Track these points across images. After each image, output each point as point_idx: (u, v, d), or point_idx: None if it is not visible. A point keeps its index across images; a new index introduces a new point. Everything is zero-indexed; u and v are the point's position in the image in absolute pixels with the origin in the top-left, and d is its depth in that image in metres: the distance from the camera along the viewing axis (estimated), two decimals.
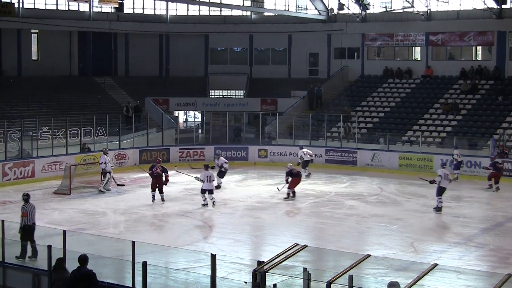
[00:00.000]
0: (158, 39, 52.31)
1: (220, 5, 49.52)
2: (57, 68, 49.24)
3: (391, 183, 32.42)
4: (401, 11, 47.50)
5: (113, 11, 50.04)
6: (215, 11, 51.78)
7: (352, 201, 27.87)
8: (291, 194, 28.48)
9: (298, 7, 50.71)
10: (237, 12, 51.45)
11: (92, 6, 48.63)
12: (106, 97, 47.18)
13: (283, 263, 12.00)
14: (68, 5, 48.26)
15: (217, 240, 21.35)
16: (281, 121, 41.28)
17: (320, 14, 49.45)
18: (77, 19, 48.71)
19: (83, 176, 31.97)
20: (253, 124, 45.13)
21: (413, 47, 48.37)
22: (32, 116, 36.90)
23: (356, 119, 40.55)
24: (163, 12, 51.14)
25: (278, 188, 29.15)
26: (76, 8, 49.21)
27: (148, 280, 12.67)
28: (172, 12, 51.24)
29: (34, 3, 48.08)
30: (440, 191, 25.95)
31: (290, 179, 28.45)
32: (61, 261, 13.43)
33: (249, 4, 50.82)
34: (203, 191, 26.18)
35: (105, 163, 29.56)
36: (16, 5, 45.12)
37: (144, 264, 12.51)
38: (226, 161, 31.23)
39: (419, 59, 48.00)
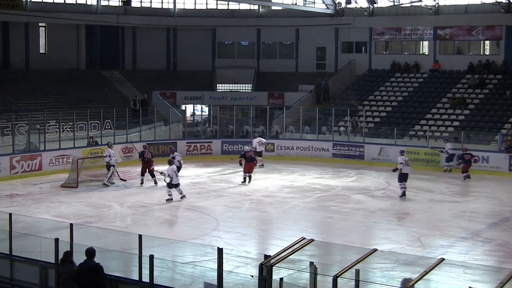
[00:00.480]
0: (165, 33, 52.30)
1: None
2: (64, 62, 49.30)
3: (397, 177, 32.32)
4: (409, 5, 47.37)
5: (120, 5, 50.08)
6: (222, 5, 51.75)
7: (359, 196, 27.86)
8: (247, 179, 30.25)
9: (305, 1, 50.64)
10: (244, 6, 51.42)
11: None
12: (114, 90, 47.21)
13: (289, 257, 12.00)
14: None
15: (224, 234, 21.36)
16: (288, 115, 41.23)
17: (327, 8, 49.36)
18: (84, 13, 48.74)
19: (90, 169, 32.02)
20: (260, 118, 45.11)
21: (421, 41, 48.26)
22: (39, 110, 36.95)
23: (363, 113, 40.48)
24: (171, 6, 51.13)
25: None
26: (84, 2, 49.28)
27: (155, 273, 12.69)
28: (179, 6, 51.25)
29: None
30: (401, 177, 27.33)
31: (244, 162, 30.45)
32: (68, 254, 13.46)
33: None
34: (170, 186, 25.98)
35: (109, 156, 29.61)
36: None
37: (151, 257, 12.53)
38: (180, 156, 30.83)
39: (426, 53, 47.89)
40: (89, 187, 29.00)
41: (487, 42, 46.46)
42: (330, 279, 11.05)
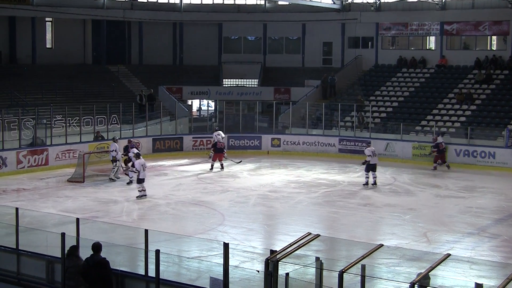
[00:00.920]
0: (172, 28, 52.31)
1: None
2: (71, 56, 49.35)
3: (404, 173, 32.36)
4: (415, 0, 47.27)
5: (127, 0, 50.06)
6: (229, 0, 51.69)
7: (365, 191, 27.85)
8: (214, 166, 32.36)
9: None
10: (251, 1, 51.40)
11: None
12: (120, 85, 47.24)
13: (295, 252, 11.99)
14: None
15: (230, 229, 21.38)
16: (295, 110, 41.22)
17: (334, 3, 49.25)
18: (91, 8, 48.75)
19: (97, 164, 32.09)
20: (267, 113, 45.12)
21: (428, 37, 48.15)
22: (46, 104, 37.01)
23: (369, 109, 40.44)
24: (177, 1, 51.09)
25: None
26: None
27: (161, 268, 12.70)
28: (186, 1, 51.20)
29: None
30: (368, 167, 28.74)
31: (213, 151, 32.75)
32: (74, 248, 13.49)
33: None
34: (140, 181, 25.65)
35: (115, 151, 29.67)
36: None
37: (157, 252, 12.55)
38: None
39: (433, 48, 47.79)
40: (95, 182, 29.05)
41: (494, 38, 46.32)
42: (336, 274, 11.06)
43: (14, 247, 14.84)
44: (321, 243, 15.70)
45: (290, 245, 12.18)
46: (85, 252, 13.24)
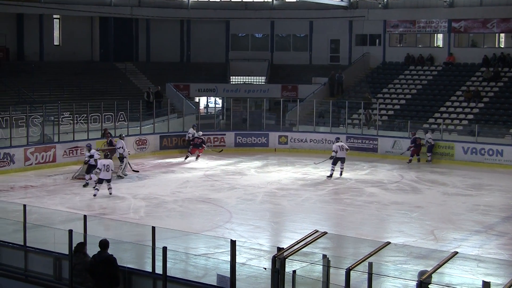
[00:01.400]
0: (179, 25, 52.34)
1: None
2: (78, 54, 49.43)
3: (411, 170, 32.33)
4: None
5: None
6: None
7: (372, 188, 27.82)
8: (190, 157, 34.33)
9: None
10: None
11: None
12: (127, 82, 47.29)
13: (302, 249, 11.98)
14: None
15: (237, 226, 21.39)
16: (302, 107, 41.20)
17: (341, 0, 49.18)
18: (98, 5, 48.77)
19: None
20: (274, 111, 45.10)
21: (435, 34, 48.05)
22: (53, 101, 37.06)
23: (377, 106, 40.41)
24: None
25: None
26: None
27: (168, 265, 12.71)
28: None
29: None
30: (335, 161, 29.95)
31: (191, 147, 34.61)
32: (81, 245, 13.52)
33: None
34: (100, 181, 25.31)
35: (122, 147, 29.70)
36: None
37: (164, 249, 12.55)
38: (98, 155, 27.80)
39: (441, 46, 47.69)
40: None
41: (502, 35, 46.20)
42: (343, 272, 11.05)
43: (22, 243, 14.87)
44: (328, 240, 15.71)
45: (297, 242, 12.17)
46: (92, 249, 13.28)
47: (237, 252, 12.08)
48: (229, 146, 38.27)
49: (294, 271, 11.61)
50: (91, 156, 27.23)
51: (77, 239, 13.58)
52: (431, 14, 46.99)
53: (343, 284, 11.05)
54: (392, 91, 44.52)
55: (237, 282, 12.17)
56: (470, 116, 39.24)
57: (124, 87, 45.72)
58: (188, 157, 34.37)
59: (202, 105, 52.25)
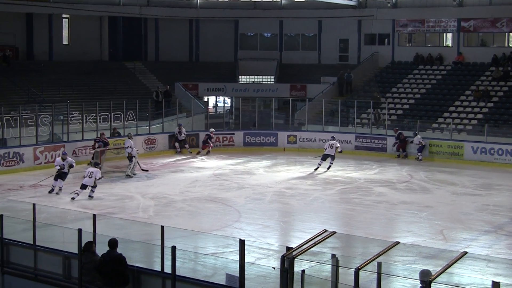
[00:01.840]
0: (188, 24, 52.39)
1: None
2: (87, 53, 49.54)
3: (420, 170, 32.26)
4: None
5: None
6: None
7: (381, 188, 27.78)
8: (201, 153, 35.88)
9: None
10: None
11: None
12: (136, 82, 47.35)
13: (311, 249, 11.98)
14: None
15: (246, 226, 21.39)
16: (311, 107, 41.16)
17: None
18: (107, 4, 48.83)
19: (113, 160, 32.19)
20: (283, 110, 45.07)
21: (445, 33, 47.95)
22: (63, 101, 37.14)
23: (386, 106, 40.33)
24: None
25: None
26: None
27: (177, 264, 12.72)
28: None
29: None
30: (324, 156, 31.95)
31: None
32: (90, 244, 13.55)
33: None
34: (83, 186, 24.84)
35: (130, 147, 29.76)
36: None
37: (173, 248, 12.56)
38: (73, 162, 26.95)
39: (450, 45, 47.58)
40: (111, 178, 29.13)
41: (511, 34, 46.04)
42: (352, 271, 11.04)
43: (31, 242, 14.91)
44: (337, 240, 15.71)
45: (306, 242, 12.17)
46: (101, 248, 13.30)
47: (246, 252, 12.09)
48: (238, 145, 38.28)
49: (303, 271, 11.61)
50: (71, 166, 26.19)
51: (86, 238, 13.61)
52: (440, 13, 46.88)
53: (352, 284, 11.04)
54: (401, 91, 44.44)
55: (245, 281, 12.18)
56: (480, 116, 39.14)
57: (133, 87, 45.78)
58: (200, 152, 35.63)
59: (211, 105, 52.27)
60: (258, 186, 27.95)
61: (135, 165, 29.86)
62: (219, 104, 53.96)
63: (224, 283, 12.45)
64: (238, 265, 12.11)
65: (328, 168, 31.71)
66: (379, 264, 11.26)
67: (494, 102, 40.31)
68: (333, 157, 32.05)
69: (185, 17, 51.58)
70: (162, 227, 13.29)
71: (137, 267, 13.40)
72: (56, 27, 48.70)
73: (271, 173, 31.43)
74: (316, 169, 31.62)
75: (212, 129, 36.99)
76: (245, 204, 24.51)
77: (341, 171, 31.87)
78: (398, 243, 12.49)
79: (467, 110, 40.17)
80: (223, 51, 52.05)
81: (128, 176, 29.19)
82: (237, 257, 12.12)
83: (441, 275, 10.66)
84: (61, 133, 33.50)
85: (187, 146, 36.04)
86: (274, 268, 12.57)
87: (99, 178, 25.01)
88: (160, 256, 13.26)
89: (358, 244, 19.18)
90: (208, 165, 33.04)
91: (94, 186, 24.94)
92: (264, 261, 16.54)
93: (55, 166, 26.20)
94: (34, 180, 28.01)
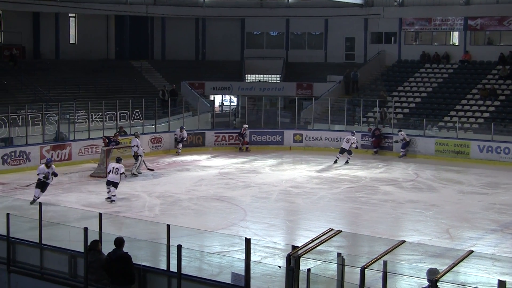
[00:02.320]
0: (194, 23, 52.41)
1: None
2: (94, 52, 49.58)
3: (427, 169, 32.22)
4: None
5: None
6: None
7: (387, 187, 27.76)
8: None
9: None
10: None
11: None
12: (143, 80, 47.40)
13: (317, 248, 11.98)
14: None
15: (252, 225, 21.40)
16: (317, 105, 41.13)
17: None
18: (114, 3, 48.89)
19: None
20: (289, 109, 45.06)
21: (451, 32, 47.85)
22: (69, 100, 37.20)
23: (392, 104, 40.29)
24: None
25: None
26: None
27: (183, 263, 12.73)
28: None
29: None
30: (341, 150, 33.61)
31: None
32: (96, 243, 13.57)
33: None
34: (108, 183, 24.51)
35: (137, 146, 29.79)
36: None
37: (179, 247, 12.57)
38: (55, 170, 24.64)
39: (457, 44, 47.48)
40: None
41: None
42: (358, 270, 11.03)
43: (38, 241, 14.94)
44: (343, 239, 15.71)
45: (312, 240, 12.16)
46: (107, 247, 13.32)
47: (251, 250, 12.09)
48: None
49: (308, 270, 11.61)
50: (55, 175, 24.13)
51: (92, 237, 13.64)
52: (447, 11, 46.78)
53: (358, 282, 11.03)
54: (408, 89, 44.38)
55: (251, 280, 12.18)
56: (486, 114, 39.05)
57: (139, 85, 45.83)
58: (241, 148, 37.03)
59: (217, 103, 52.30)
60: (264, 184, 27.95)
61: (141, 164, 29.89)
62: (225, 103, 53.99)
63: (230, 282, 12.46)
64: (244, 264, 12.12)
65: (346, 162, 33.11)
66: (385, 263, 11.25)
67: (500, 100, 40.22)
68: (349, 152, 33.44)
69: (192, 16, 51.62)
70: (168, 226, 13.30)
71: (143, 265, 13.42)
72: (63, 26, 48.77)
73: (277, 171, 31.44)
74: (335, 162, 33.33)
75: (245, 125, 37.48)
76: (251, 203, 24.53)
77: (347, 169, 31.88)
78: (404, 242, 12.48)
79: (473, 109, 40.08)
80: (230, 50, 52.05)
81: (134, 175, 29.22)
82: (243, 256, 12.12)
83: (447, 274, 10.65)
84: (67, 132, 33.56)
85: (180, 146, 35.84)
86: (280, 266, 12.57)
87: (122, 173, 24.56)
88: (166, 254, 13.27)
89: (364, 243, 19.17)
90: (214, 164, 33.06)
91: (116, 188, 24.35)
92: (270, 260, 16.55)
93: (38, 174, 23.83)
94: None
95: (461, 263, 11.20)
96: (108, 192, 24.34)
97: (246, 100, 42.02)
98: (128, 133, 34.38)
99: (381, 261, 11.26)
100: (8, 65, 43.48)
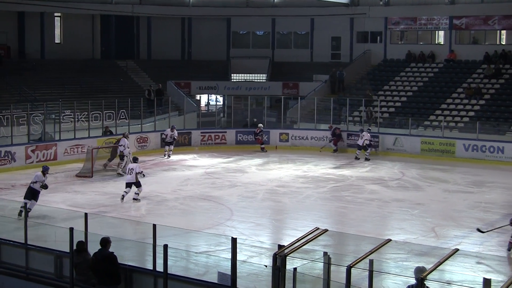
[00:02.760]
0: (180, 23, 52.35)
1: None
2: (79, 51, 49.41)
3: (412, 167, 32.31)
4: None
5: None
6: None
7: (373, 186, 27.82)
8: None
9: None
10: None
11: None
12: (129, 80, 47.31)
13: (303, 247, 12.00)
14: None
15: (238, 224, 21.40)
16: (303, 105, 41.18)
17: None
18: (99, 3, 48.77)
19: (105, 159, 32.09)
20: (275, 108, 45.09)
21: (437, 31, 48.02)
22: (55, 99, 37.06)
23: (378, 104, 40.40)
24: None
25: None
26: None
27: (169, 263, 12.73)
28: None
29: None
30: (359, 147, 34.64)
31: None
32: (81, 244, 13.55)
33: None
34: (128, 185, 24.40)
35: (124, 146, 29.71)
36: None
37: (165, 247, 12.57)
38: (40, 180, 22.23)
39: (442, 43, 47.66)
40: (103, 177, 29.11)
41: (503, 32, 46.15)
42: (344, 269, 11.06)
43: (23, 241, 14.89)
44: (329, 238, 15.71)
45: (298, 240, 12.19)
46: (93, 247, 13.29)
47: (238, 250, 12.11)
48: (230, 143, 38.28)
49: (295, 269, 11.62)
50: (46, 187, 22.12)
51: (78, 237, 13.60)
52: (432, 11, 46.96)
53: (344, 281, 11.07)
54: (393, 88, 44.50)
55: (238, 279, 12.19)
56: (472, 113, 39.23)
57: (125, 85, 45.74)
58: (263, 149, 36.90)
59: (203, 103, 52.29)
60: (250, 184, 27.96)
61: (127, 164, 29.80)
62: (211, 103, 54.00)
63: (216, 281, 12.47)
64: (230, 263, 12.13)
65: (365, 160, 34.04)
66: (371, 262, 11.28)
67: (485, 99, 40.40)
68: (364, 148, 34.35)
69: (178, 15, 51.56)
70: (154, 226, 13.29)
71: (129, 265, 13.41)
72: (48, 25, 48.61)
73: (263, 171, 31.44)
74: (356, 159, 34.33)
75: (260, 125, 37.68)
76: (237, 202, 24.52)
77: (333, 169, 31.93)
78: (390, 240, 12.53)
79: (459, 108, 40.25)
80: (216, 49, 52.00)
81: (120, 175, 29.15)
82: (229, 255, 12.13)
83: (433, 272, 10.70)
84: (53, 132, 33.44)
85: (167, 148, 35.30)
86: (266, 266, 12.59)
87: (140, 172, 24.52)
88: (152, 254, 13.26)
89: (350, 242, 19.20)
90: (200, 164, 33.03)
91: (138, 186, 24.41)
92: (256, 259, 16.56)
93: (35, 182, 21.80)
94: (26, 179, 27.92)
95: (447, 262, 11.25)
96: (125, 193, 24.19)
97: (232, 99, 42.02)
98: (114, 132, 34.29)
99: (367, 260, 11.30)
100: None
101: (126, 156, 29.74)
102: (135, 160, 25.49)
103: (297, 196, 25.74)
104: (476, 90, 40.79)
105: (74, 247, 13.61)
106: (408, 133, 36.57)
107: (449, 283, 11.66)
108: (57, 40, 49.97)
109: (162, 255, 12.63)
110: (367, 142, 34.30)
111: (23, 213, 19.37)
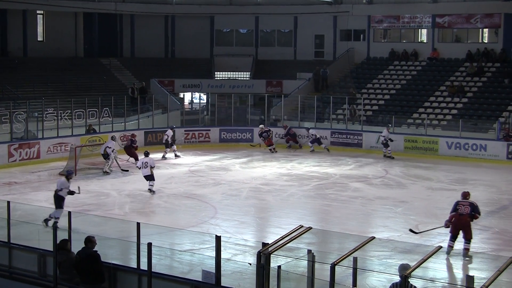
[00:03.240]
0: (163, 20, 52.24)
1: None
2: (62, 49, 49.19)
3: (396, 165, 32.42)
4: None
5: None
6: None
7: (357, 184, 27.89)
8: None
9: None
10: None
11: None
12: (112, 78, 47.15)
13: (287, 245, 12.00)
14: None
15: (222, 222, 21.39)
16: (287, 103, 41.20)
17: None
18: (82, 0, 48.55)
19: (88, 157, 32.00)
20: (259, 106, 45.10)
21: (420, 29, 48.19)
22: (37, 97, 36.90)
23: (361, 101, 40.49)
24: None
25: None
26: None
27: (153, 261, 12.69)
28: None
29: None
30: (386, 145, 34.62)
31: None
32: (64, 242, 13.48)
33: None
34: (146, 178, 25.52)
35: (110, 147, 29.63)
36: None
37: (149, 245, 12.54)
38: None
39: (425, 41, 47.83)
40: (87, 175, 28.99)
41: (485, 30, 46.39)
42: (328, 267, 11.07)
43: (6, 240, 14.81)
44: (313, 235, 15.73)
45: (282, 238, 12.19)
46: (77, 246, 13.24)
47: (222, 248, 12.10)
48: (214, 141, 38.28)
49: (279, 267, 11.63)
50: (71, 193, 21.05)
51: (62, 235, 13.54)
52: (415, 9, 47.12)
53: (328, 279, 11.07)
54: (377, 86, 44.62)
55: (222, 277, 12.18)
56: (454, 111, 39.40)
57: (108, 83, 45.57)
58: (272, 150, 36.46)
59: (186, 101, 52.21)
60: (234, 182, 27.95)
61: (112, 162, 29.75)
62: (195, 101, 53.93)
63: (200, 280, 12.45)
64: (214, 261, 12.12)
65: (386, 156, 34.57)
66: (355, 259, 11.31)
67: (468, 97, 40.58)
68: (385, 145, 34.61)
69: (161, 13, 51.45)
70: (138, 224, 13.26)
71: (113, 264, 13.36)
72: (31, 23, 48.35)
73: (247, 169, 31.45)
74: (390, 156, 34.56)
75: (261, 125, 37.64)
76: (221, 200, 24.51)
77: (317, 166, 31.98)
78: (373, 238, 12.56)
79: (442, 106, 40.42)
80: (199, 47, 51.94)
81: (106, 173, 29.07)
82: (213, 254, 12.12)
83: (416, 270, 10.74)
84: (36, 130, 33.26)
85: (168, 149, 34.88)
86: (250, 264, 12.59)
87: (153, 166, 25.59)
88: (136, 253, 13.22)
89: (334, 240, 19.22)
90: (184, 162, 32.99)
91: (152, 180, 25.32)
92: (240, 257, 16.56)
93: (60, 189, 20.76)
94: (9, 177, 27.84)
95: (430, 259, 11.29)
96: (150, 186, 25.27)
97: (216, 97, 41.98)
98: (98, 131, 34.19)
99: (351, 258, 11.32)
100: None
101: (111, 155, 29.64)
102: (147, 154, 26.26)
103: (281, 194, 25.76)
104: (458, 88, 40.97)
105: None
106: (392, 131, 36.61)
107: (432, 280, 11.71)
108: (39, 38, 49.71)
109: (146, 254, 12.60)
110: (383, 139, 34.64)
111: (49, 222, 19.40)
